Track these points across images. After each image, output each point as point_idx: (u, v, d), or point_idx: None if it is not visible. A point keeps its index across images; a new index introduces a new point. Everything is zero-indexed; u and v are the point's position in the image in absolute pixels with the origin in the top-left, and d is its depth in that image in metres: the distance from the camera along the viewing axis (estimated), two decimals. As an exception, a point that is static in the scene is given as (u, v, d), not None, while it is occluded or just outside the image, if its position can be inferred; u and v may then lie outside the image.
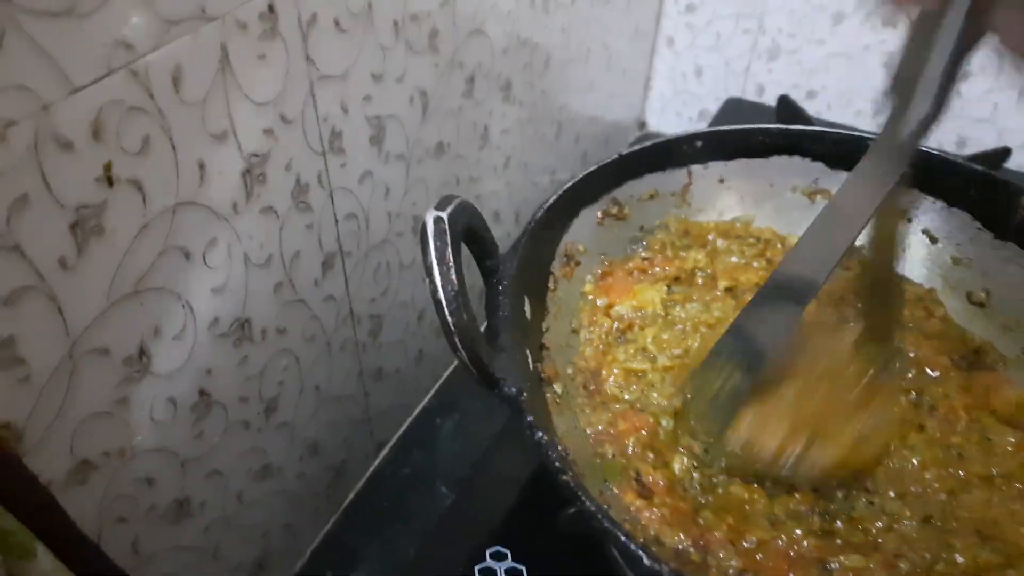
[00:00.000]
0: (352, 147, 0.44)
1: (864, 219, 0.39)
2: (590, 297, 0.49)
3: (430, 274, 0.34)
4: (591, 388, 0.45)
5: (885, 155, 0.39)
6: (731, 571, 0.36)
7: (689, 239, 0.52)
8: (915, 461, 0.41)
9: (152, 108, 0.31)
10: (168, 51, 0.31)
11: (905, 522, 0.39)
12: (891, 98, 0.39)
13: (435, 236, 0.34)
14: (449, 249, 0.35)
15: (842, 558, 0.36)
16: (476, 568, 0.47)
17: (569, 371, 0.46)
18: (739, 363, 0.39)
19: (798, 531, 0.38)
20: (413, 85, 0.48)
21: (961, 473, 0.41)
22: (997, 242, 0.49)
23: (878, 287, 0.45)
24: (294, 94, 0.39)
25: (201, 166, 0.34)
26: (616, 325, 0.47)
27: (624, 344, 0.46)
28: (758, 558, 0.37)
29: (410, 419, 0.63)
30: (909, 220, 0.52)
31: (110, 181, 0.30)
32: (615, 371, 0.45)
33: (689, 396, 0.43)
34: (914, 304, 0.50)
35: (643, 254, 0.52)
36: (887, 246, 0.44)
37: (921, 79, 0.36)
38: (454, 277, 0.34)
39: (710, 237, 0.53)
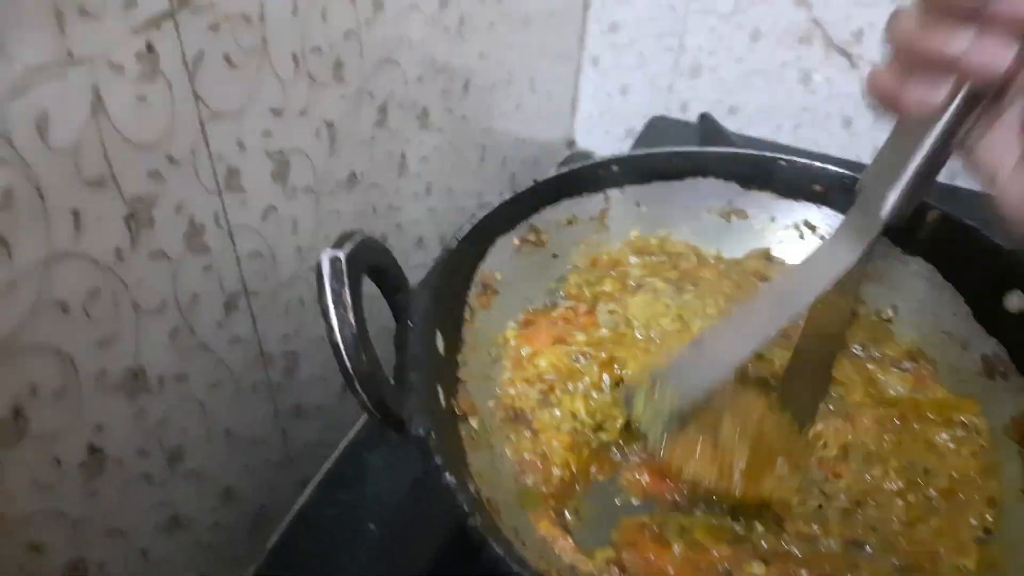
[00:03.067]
0: (252, 184, 0.43)
1: (806, 302, 0.41)
2: (512, 343, 0.48)
3: (326, 317, 0.33)
4: (518, 419, 0.45)
5: (842, 243, 0.40)
6: None
7: (600, 269, 0.52)
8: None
9: (14, 158, 0.29)
10: (29, 99, 0.29)
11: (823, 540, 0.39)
12: (861, 189, 0.40)
13: (331, 277, 0.33)
14: (347, 290, 0.33)
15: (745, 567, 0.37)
16: (400, 612, 0.45)
17: (491, 404, 0.45)
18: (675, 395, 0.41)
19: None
20: (319, 117, 0.47)
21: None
22: (906, 256, 0.50)
23: (807, 373, 0.46)
24: (182, 134, 0.37)
25: (76, 214, 0.32)
26: (539, 388, 0.46)
27: (548, 407, 0.45)
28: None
29: (335, 455, 0.61)
30: (821, 237, 0.53)
31: (-32, 236, 0.28)
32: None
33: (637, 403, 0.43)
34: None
35: (565, 304, 0.51)
36: (831, 337, 0.46)
37: (897, 176, 0.37)
38: (352, 319, 0.33)
39: (629, 260, 0.53)
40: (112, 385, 0.37)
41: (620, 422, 0.44)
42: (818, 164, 0.51)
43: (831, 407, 0.45)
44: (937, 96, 0.33)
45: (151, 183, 0.36)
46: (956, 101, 0.33)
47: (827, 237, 0.53)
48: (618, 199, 0.53)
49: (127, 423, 0.39)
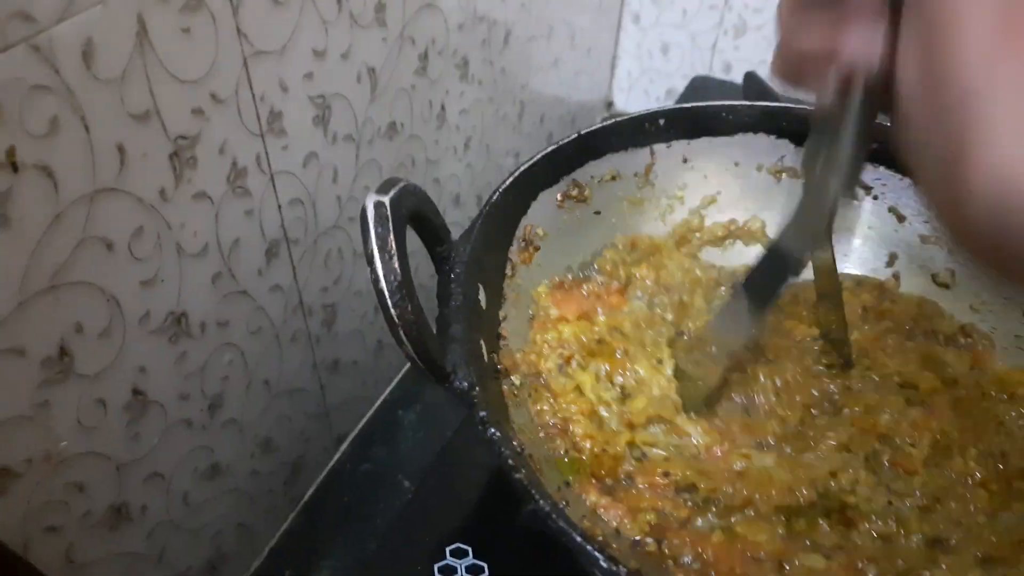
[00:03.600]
0: (294, 128, 0.42)
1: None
2: (542, 302, 0.47)
3: (371, 263, 0.32)
4: (540, 382, 0.44)
5: (796, 230, 0.38)
6: (685, 561, 0.35)
7: (637, 253, 0.51)
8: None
9: (60, 86, 0.28)
10: (75, 23, 0.28)
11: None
12: (804, 174, 0.37)
13: (376, 222, 0.32)
14: (392, 236, 0.32)
15: (801, 557, 0.35)
16: (435, 566, 0.45)
17: (518, 355, 0.44)
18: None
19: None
20: (360, 62, 0.46)
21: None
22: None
23: (825, 295, 0.46)
24: (225, 71, 0.36)
25: (121, 149, 0.32)
26: (560, 352, 0.44)
27: (564, 376, 0.44)
28: (709, 554, 0.36)
29: (371, 412, 0.61)
30: (875, 198, 0.51)
31: (15, 167, 0.28)
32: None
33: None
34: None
35: (598, 279, 0.49)
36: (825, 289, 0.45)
37: (831, 160, 0.34)
38: (397, 266, 0.32)
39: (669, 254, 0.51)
40: (155, 328, 0.37)
41: (624, 438, 0.42)
42: (876, 121, 0.49)
43: (903, 399, 0.43)
44: (828, 89, 0.30)
45: (195, 121, 0.35)
46: (858, 94, 0.30)
47: (880, 197, 0.51)
48: (664, 155, 0.51)
49: (169, 367, 0.39)
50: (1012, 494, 0.38)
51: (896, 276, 0.50)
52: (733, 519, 0.38)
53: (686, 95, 0.86)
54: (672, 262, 0.50)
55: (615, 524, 0.38)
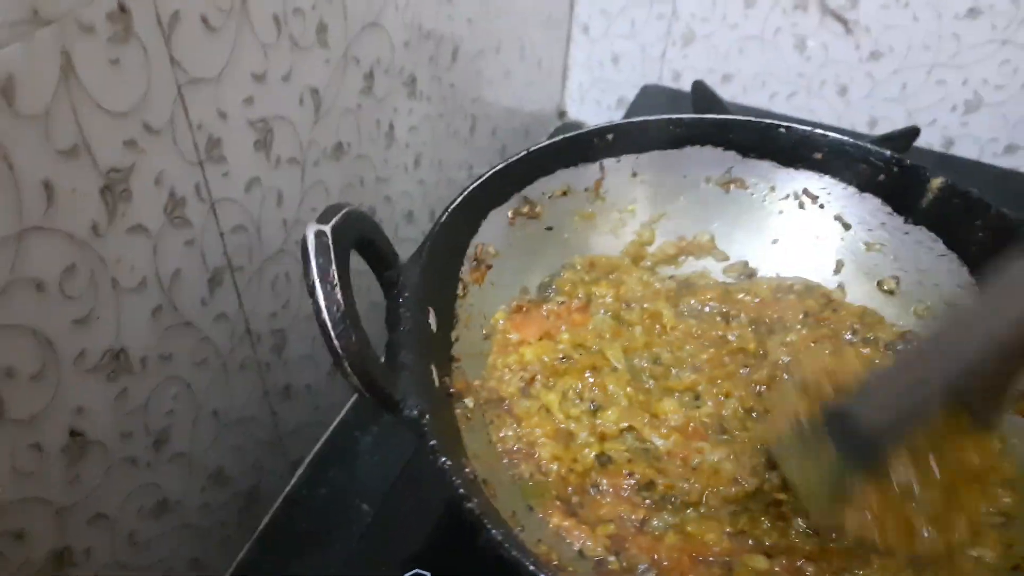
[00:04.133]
0: (234, 154, 0.41)
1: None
2: (500, 324, 0.47)
3: (312, 294, 0.31)
4: (501, 407, 0.43)
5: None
6: (641, 569, 0.37)
7: (596, 272, 0.51)
8: None
9: (-22, 125, 0.27)
10: (-8, 59, 0.27)
11: None
12: None
13: (316, 252, 0.32)
14: (333, 266, 0.32)
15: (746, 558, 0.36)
16: (395, 593, 0.44)
17: (476, 383, 0.44)
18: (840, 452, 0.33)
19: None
20: (302, 84, 0.45)
21: None
22: (908, 226, 0.49)
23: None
24: (159, 101, 0.35)
25: (48, 186, 0.31)
26: (521, 375, 0.44)
27: (528, 399, 0.44)
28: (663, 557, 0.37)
29: (326, 435, 0.60)
30: (821, 207, 0.52)
31: (-69, 210, 0.27)
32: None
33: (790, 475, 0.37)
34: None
35: (558, 299, 0.49)
36: None
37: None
38: (339, 297, 0.31)
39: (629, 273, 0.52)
40: (92, 366, 0.36)
41: (594, 450, 0.42)
42: (819, 131, 0.50)
43: None
44: None
45: (128, 153, 0.34)
46: None
47: (826, 206, 0.52)
48: (614, 169, 0.51)
49: (109, 405, 0.38)
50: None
51: (841, 286, 0.51)
52: (687, 514, 0.39)
53: (637, 103, 0.86)
54: (631, 278, 0.51)
55: (578, 547, 0.38)
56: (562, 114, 0.96)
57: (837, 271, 0.52)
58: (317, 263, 0.31)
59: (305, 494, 0.56)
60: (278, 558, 0.53)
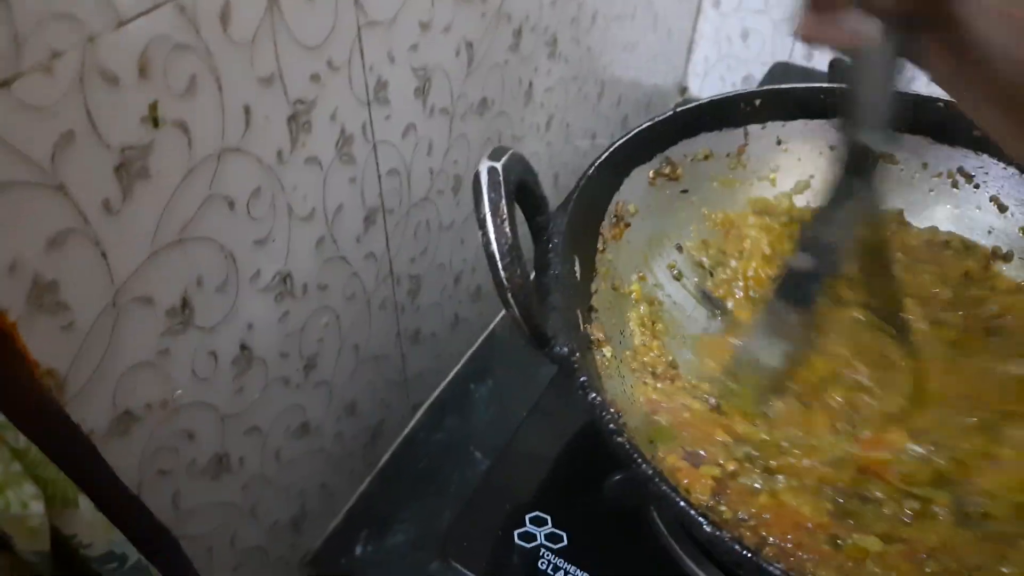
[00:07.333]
0: (397, 99, 0.43)
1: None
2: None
3: (483, 227, 0.33)
4: (654, 374, 0.44)
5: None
6: (742, 517, 0.37)
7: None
8: None
9: (200, 46, 0.30)
10: (216, -14, 0.29)
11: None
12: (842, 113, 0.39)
13: (489, 187, 0.33)
14: (503, 201, 0.33)
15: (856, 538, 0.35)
16: (515, 532, 0.46)
17: (627, 353, 0.44)
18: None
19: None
20: (460, 36, 0.46)
21: None
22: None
23: (874, 261, 0.45)
24: (341, 39, 0.37)
25: (247, 111, 0.33)
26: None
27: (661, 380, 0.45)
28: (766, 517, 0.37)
29: (444, 383, 0.62)
30: (976, 187, 0.49)
31: (156, 122, 0.29)
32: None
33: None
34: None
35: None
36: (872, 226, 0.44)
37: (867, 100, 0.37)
38: (508, 230, 0.33)
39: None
40: (264, 286, 0.38)
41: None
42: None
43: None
44: (864, 29, 0.32)
45: (312, 86, 0.36)
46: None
47: (981, 187, 0.49)
48: (758, 136, 0.51)
49: (273, 326, 0.40)
50: None
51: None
52: (777, 481, 0.39)
53: (765, 82, 0.84)
54: (753, 225, 0.51)
55: (684, 487, 0.38)
56: (683, 90, 0.95)
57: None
58: (489, 197, 0.32)
59: (423, 436, 0.59)
60: (397, 495, 0.55)
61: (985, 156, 0.49)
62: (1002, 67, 0.29)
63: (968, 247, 0.49)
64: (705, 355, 0.46)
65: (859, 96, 0.36)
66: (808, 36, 0.34)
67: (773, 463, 0.40)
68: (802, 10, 0.33)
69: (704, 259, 0.50)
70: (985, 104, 0.32)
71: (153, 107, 0.29)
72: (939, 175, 0.50)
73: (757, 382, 0.44)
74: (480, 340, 0.66)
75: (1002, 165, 0.48)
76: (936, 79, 0.34)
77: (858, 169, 0.39)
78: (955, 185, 0.50)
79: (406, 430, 0.59)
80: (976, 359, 0.44)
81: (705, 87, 0.94)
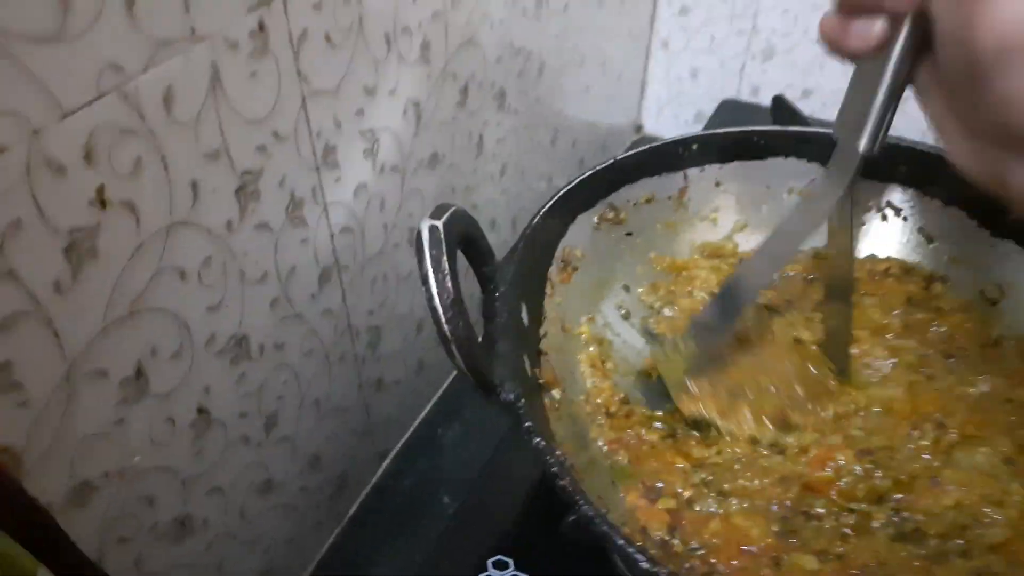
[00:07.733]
0: (346, 161, 0.44)
1: (800, 239, 0.44)
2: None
3: (426, 283, 0.34)
4: (607, 414, 0.46)
5: (828, 184, 0.42)
6: (693, 546, 0.39)
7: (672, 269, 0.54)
8: None
9: (143, 129, 0.31)
10: (158, 72, 0.31)
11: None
12: (837, 131, 0.42)
13: (430, 245, 0.35)
14: (444, 257, 0.35)
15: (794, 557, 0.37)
16: (479, 578, 0.46)
17: (581, 399, 0.46)
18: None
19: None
20: (406, 97, 0.48)
21: None
22: (995, 239, 0.49)
23: (835, 292, 0.48)
24: (286, 110, 0.39)
25: (194, 185, 0.34)
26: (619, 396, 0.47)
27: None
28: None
29: (412, 429, 0.63)
30: (904, 219, 0.52)
31: (103, 204, 0.30)
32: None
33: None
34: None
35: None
36: (843, 257, 0.47)
37: (865, 117, 0.39)
38: (450, 285, 0.34)
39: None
40: (219, 350, 0.39)
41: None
42: (904, 144, 0.50)
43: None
44: (873, 31, 0.34)
45: (259, 157, 0.38)
46: (902, 37, 0.34)
47: (908, 219, 0.52)
48: (697, 178, 0.53)
49: (230, 387, 0.41)
50: None
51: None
52: (731, 504, 0.41)
53: (715, 118, 0.88)
54: (702, 269, 0.53)
55: (642, 523, 0.40)
56: (638, 128, 0.98)
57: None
58: (431, 254, 0.34)
59: (391, 484, 0.60)
60: (366, 543, 0.56)
61: (911, 190, 0.51)
62: (949, 52, 0.31)
63: (907, 270, 0.51)
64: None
65: (865, 103, 0.38)
66: (831, 38, 0.36)
67: (727, 486, 0.41)
68: (832, 12, 0.35)
69: (653, 300, 0.52)
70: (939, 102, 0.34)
71: (100, 190, 0.30)
72: (869, 209, 0.52)
73: (692, 351, 0.46)
74: (446, 384, 0.67)
75: (928, 198, 0.51)
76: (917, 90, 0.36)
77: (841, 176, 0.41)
78: (884, 218, 0.52)
79: (374, 478, 0.60)
80: (939, 382, 0.45)
81: (660, 125, 0.97)
